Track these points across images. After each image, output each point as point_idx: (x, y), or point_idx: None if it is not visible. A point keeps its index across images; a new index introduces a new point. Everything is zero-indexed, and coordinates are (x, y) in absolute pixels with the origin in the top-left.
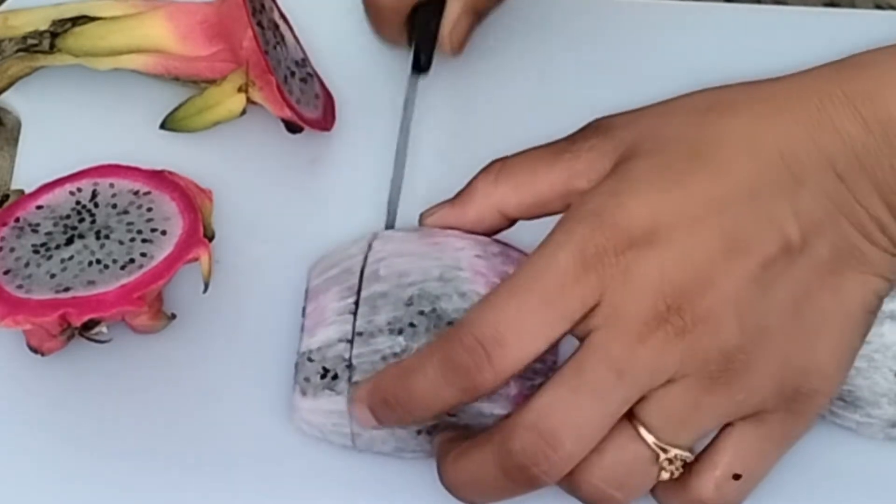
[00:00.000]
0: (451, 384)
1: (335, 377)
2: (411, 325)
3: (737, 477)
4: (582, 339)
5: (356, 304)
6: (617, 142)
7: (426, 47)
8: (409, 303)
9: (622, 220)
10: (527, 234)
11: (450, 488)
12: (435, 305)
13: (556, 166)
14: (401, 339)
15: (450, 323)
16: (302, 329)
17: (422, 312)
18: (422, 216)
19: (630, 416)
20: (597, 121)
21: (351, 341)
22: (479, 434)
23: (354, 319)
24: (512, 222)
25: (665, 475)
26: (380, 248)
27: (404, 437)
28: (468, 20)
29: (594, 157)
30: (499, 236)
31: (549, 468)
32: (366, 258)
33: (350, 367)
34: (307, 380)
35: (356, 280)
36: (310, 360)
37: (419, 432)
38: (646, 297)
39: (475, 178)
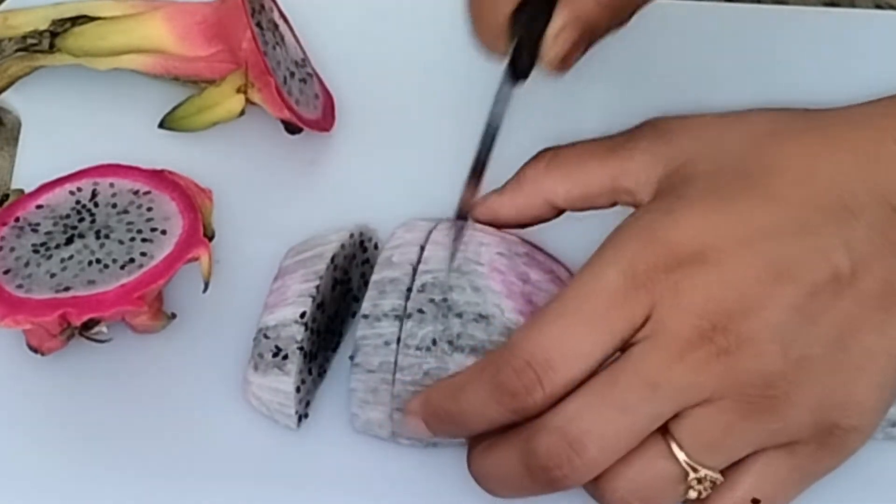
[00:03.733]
0: (501, 405)
1: (285, 357)
2: (420, 311)
3: (755, 502)
4: (623, 351)
5: (317, 288)
6: (672, 148)
7: (527, 50)
8: (422, 289)
9: (673, 238)
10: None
11: (476, 478)
12: (447, 295)
13: (609, 162)
14: (408, 324)
15: (459, 315)
16: (264, 305)
17: (432, 301)
18: (473, 206)
19: (664, 432)
20: (654, 121)
21: (305, 324)
22: (510, 429)
23: (312, 304)
24: (559, 213)
25: (693, 494)
26: (400, 236)
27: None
28: (575, 32)
29: (647, 160)
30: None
31: (571, 472)
32: (365, 246)
33: (301, 350)
34: (261, 355)
35: (323, 266)
36: (265, 336)
37: None
38: (691, 315)
39: (525, 165)
